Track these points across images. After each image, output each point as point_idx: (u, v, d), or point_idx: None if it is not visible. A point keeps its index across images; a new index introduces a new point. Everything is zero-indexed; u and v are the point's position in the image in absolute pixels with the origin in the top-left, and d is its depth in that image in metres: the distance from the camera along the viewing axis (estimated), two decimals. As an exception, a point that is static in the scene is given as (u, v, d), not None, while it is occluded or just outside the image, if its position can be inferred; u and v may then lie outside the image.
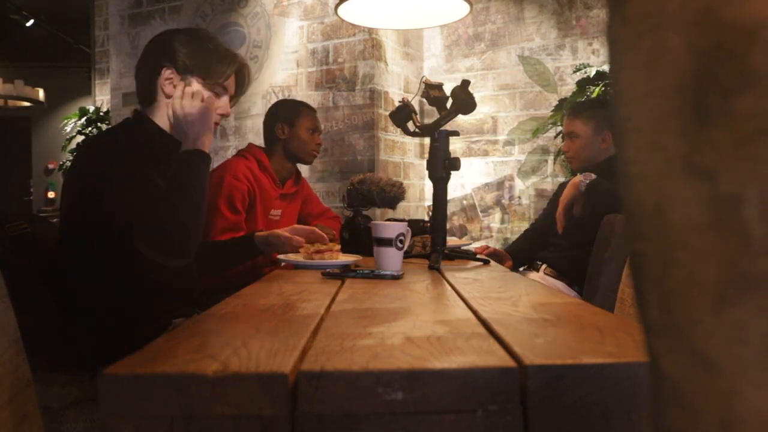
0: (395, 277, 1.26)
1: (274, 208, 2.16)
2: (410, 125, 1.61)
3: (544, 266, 2.22)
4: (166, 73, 1.40)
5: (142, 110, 1.45)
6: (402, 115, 1.59)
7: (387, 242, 1.40)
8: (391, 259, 1.41)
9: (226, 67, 1.45)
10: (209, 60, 1.43)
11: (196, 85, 1.41)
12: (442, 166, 1.46)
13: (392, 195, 1.98)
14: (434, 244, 1.47)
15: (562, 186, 2.28)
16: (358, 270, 1.34)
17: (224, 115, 1.49)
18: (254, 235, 1.65)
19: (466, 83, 1.52)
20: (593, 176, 1.97)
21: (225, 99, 1.48)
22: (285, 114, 2.20)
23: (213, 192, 1.85)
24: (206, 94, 1.42)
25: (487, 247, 2.28)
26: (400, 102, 1.62)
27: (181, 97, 1.38)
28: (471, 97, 1.50)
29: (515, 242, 2.51)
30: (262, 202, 2.08)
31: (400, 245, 1.42)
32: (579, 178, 2.00)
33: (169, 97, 1.41)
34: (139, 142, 1.36)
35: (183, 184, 1.28)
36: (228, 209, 1.95)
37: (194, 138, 1.36)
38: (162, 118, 1.43)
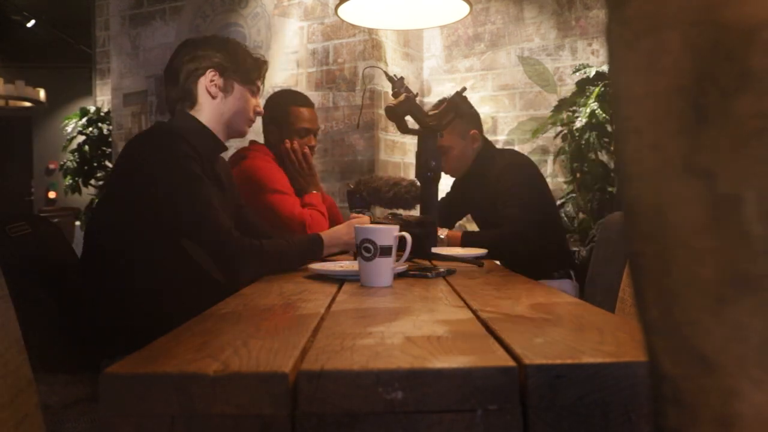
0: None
1: None
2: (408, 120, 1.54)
3: None
4: (210, 75, 1.44)
5: (186, 111, 1.46)
6: (402, 109, 1.51)
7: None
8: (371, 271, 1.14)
9: (260, 67, 1.52)
10: (246, 61, 1.50)
11: (237, 87, 1.48)
12: (427, 167, 1.45)
13: (390, 195, 1.96)
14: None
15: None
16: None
17: (259, 113, 1.56)
18: (321, 235, 1.56)
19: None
20: None
21: (258, 98, 1.55)
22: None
23: (262, 187, 1.90)
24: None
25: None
26: (395, 91, 1.49)
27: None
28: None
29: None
30: None
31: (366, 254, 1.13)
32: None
33: (214, 98, 1.45)
34: (198, 144, 1.39)
35: (297, 257, 1.43)
36: (286, 189, 1.95)
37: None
38: (208, 119, 1.46)
